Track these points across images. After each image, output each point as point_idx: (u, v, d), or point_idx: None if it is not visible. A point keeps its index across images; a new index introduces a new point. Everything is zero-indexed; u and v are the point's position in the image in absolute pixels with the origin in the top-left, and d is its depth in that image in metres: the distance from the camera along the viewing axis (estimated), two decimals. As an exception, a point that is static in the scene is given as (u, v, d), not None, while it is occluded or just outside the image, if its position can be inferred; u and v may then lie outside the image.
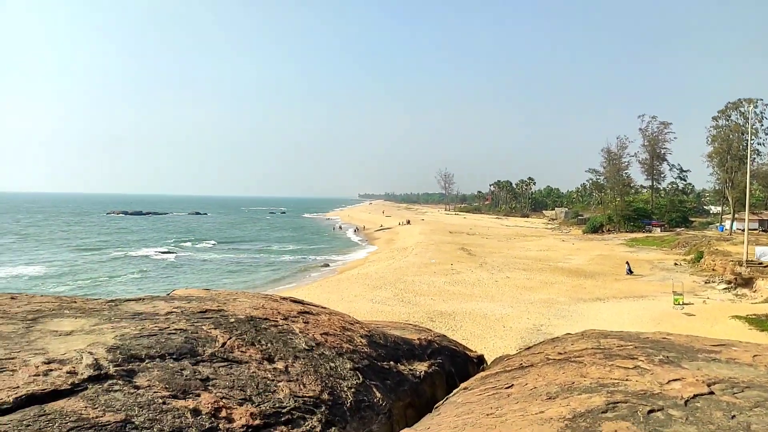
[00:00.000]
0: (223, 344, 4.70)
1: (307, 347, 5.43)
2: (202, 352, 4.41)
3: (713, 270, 38.64)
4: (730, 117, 65.72)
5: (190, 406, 3.51)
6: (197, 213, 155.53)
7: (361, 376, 5.43)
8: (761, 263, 34.22)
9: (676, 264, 43.89)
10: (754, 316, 22.54)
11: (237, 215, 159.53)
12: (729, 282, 32.30)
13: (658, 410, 3.09)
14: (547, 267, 41.94)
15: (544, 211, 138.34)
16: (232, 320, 5.40)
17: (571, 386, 3.71)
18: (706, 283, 34.34)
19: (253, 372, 4.40)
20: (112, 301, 6.17)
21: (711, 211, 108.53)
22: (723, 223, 71.25)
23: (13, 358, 3.49)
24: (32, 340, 3.98)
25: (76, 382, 3.33)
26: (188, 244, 66.46)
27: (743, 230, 60.25)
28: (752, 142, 46.92)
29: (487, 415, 3.37)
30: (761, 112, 62.63)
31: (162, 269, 44.63)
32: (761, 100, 62.59)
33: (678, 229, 74.69)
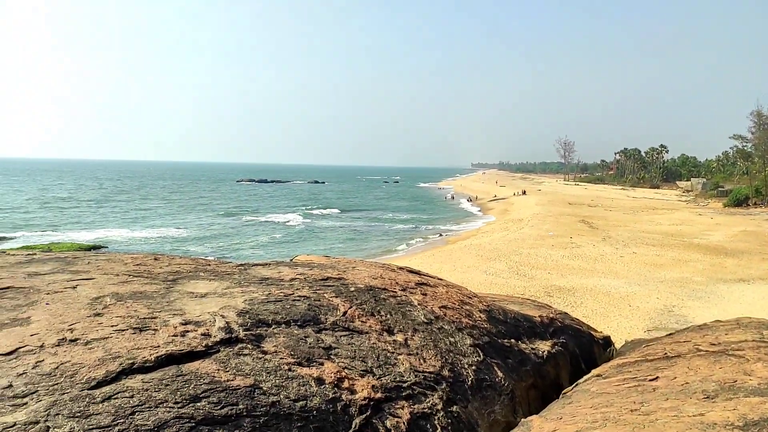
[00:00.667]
0: (344, 313, 4.72)
1: (426, 320, 5.32)
2: (324, 320, 4.45)
3: None
4: None
5: (314, 375, 3.53)
6: (316, 182, 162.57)
7: (481, 353, 5.22)
8: None
9: (841, 244, 38.04)
10: None
11: (354, 184, 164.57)
12: None
13: None
14: (680, 243, 38.37)
15: (677, 182, 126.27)
16: (353, 289, 5.42)
17: (733, 385, 3.20)
18: None
19: (373, 343, 4.36)
20: (241, 265, 6.49)
21: None
22: None
23: (154, 318, 3.72)
24: (171, 301, 4.24)
25: (210, 344, 3.46)
26: (316, 211, 69.67)
27: None
28: None
29: (631, 411, 3.00)
30: None
31: (288, 234, 47.32)
32: None
33: None
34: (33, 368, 2.83)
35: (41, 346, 3.08)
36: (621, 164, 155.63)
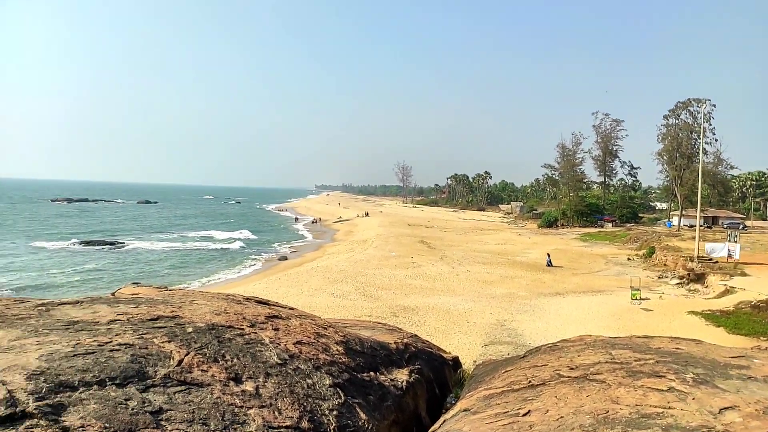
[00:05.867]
0: (180, 362, 3.87)
1: (279, 361, 4.66)
2: (153, 373, 3.57)
3: (665, 265, 39.70)
4: (680, 116, 68.05)
5: (137, 454, 2.70)
6: (147, 201, 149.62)
7: (342, 394, 4.70)
8: (711, 259, 35.32)
9: (629, 259, 44.91)
10: (708, 312, 23.01)
11: (189, 205, 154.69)
12: (681, 277, 33.12)
13: (732, 454, 2.52)
14: (505, 261, 42.14)
15: (500, 205, 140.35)
16: (190, 330, 4.55)
17: (606, 416, 3.11)
18: (659, 278, 35.16)
19: (217, 397, 3.60)
20: (42, 304, 5.18)
21: (656, 207, 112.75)
22: (671, 219, 73.88)
23: None
24: (-75, 364, 3.06)
25: (-22, 428, 2.46)
26: (155, 234, 63.55)
27: (690, 226, 62.76)
28: (701, 141, 48.37)
29: (517, 458, 2.73)
30: (709, 112, 65.05)
31: (116, 262, 42.24)
32: (709, 100, 65.03)
33: (628, 225, 76.95)
34: None
35: None
36: (452, 188, 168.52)
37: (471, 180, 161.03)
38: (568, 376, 4.09)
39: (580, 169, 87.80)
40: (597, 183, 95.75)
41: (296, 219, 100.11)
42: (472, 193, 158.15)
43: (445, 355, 9.74)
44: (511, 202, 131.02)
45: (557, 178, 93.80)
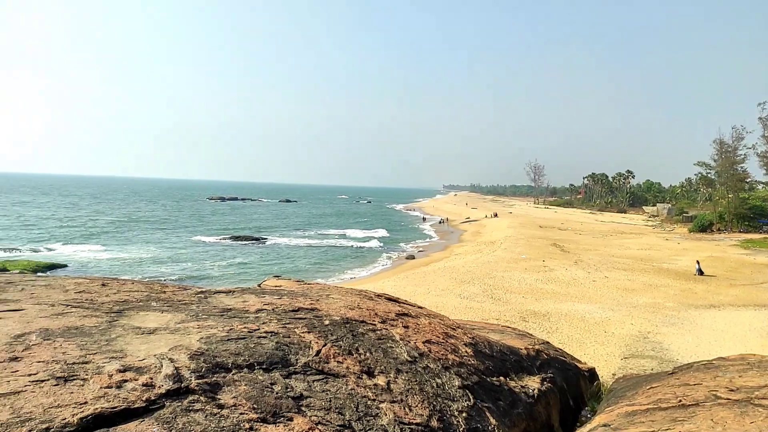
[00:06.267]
0: (318, 352, 4.11)
1: (409, 358, 4.73)
2: (294, 361, 3.83)
3: None
4: None
5: (281, 435, 2.91)
6: (287, 200, 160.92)
7: (471, 397, 4.66)
8: None
9: (803, 270, 38.95)
10: None
11: (325, 204, 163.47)
12: None
13: None
14: (650, 268, 38.76)
15: (643, 207, 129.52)
16: (327, 322, 4.81)
17: (776, 448, 2.73)
18: (843, 294, 30.04)
19: (351, 389, 3.76)
20: (202, 292, 5.80)
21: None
22: None
23: (87, 363, 3.05)
24: (112, 339, 3.57)
25: (152, 398, 2.81)
26: (294, 231, 68.47)
27: None
28: None
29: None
30: None
31: (260, 257, 46.03)
32: None
33: (803, 231, 66.80)
34: None
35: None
36: (589, 189, 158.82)
37: (611, 179, 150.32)
38: (727, 399, 3.65)
39: (741, 167, 78.03)
40: (763, 183, 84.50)
41: (424, 219, 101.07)
42: (611, 193, 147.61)
43: (579, 366, 9.21)
44: (657, 204, 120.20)
45: (713, 177, 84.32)
